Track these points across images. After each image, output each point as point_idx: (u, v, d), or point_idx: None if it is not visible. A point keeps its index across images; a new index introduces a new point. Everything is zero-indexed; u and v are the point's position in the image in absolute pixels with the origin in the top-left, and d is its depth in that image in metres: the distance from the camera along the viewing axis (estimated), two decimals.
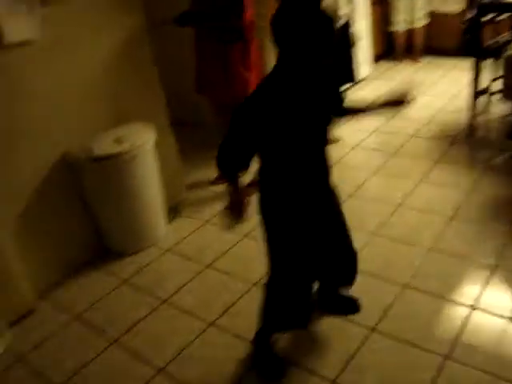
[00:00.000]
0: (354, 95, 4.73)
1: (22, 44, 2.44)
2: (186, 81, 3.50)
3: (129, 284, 2.75)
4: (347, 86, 4.28)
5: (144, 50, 3.04)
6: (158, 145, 3.00)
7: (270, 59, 3.64)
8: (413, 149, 3.72)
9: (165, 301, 2.57)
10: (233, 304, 2.47)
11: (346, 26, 3.58)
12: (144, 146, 2.79)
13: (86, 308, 2.62)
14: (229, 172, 1.80)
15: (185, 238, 3.08)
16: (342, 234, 2.07)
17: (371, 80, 5.11)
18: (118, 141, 2.73)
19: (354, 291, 2.32)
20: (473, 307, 2.23)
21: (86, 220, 2.92)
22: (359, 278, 2.24)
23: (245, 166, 1.77)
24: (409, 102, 1.86)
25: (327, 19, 1.59)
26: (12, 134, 2.53)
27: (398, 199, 3.09)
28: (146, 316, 2.49)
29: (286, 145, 1.72)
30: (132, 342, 2.35)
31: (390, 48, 5.54)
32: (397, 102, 1.87)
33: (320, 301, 2.30)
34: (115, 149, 2.68)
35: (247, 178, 1.98)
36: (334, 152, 3.72)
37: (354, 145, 3.90)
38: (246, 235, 2.95)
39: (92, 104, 2.83)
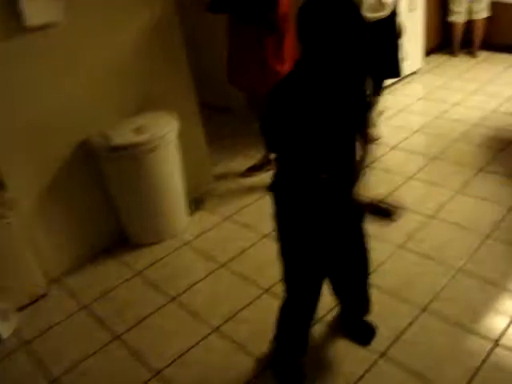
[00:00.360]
0: (399, 92, 4.49)
1: (44, 27, 2.38)
2: (218, 66, 3.38)
3: (141, 277, 2.70)
4: (392, 80, 4.04)
5: (174, 34, 2.93)
6: (185, 133, 2.91)
7: None
8: (456, 153, 3.45)
9: (173, 299, 2.51)
10: (241, 309, 2.37)
11: (393, 15, 3.32)
12: (165, 136, 2.70)
13: (95, 298, 2.60)
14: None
15: (204, 232, 2.99)
16: (358, 263, 1.95)
17: (422, 74, 4.80)
18: (139, 130, 2.66)
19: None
20: (496, 343, 2.03)
21: (106, 208, 2.89)
22: (375, 294, 2.11)
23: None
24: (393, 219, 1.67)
25: (357, 16, 1.43)
26: (33, 120, 2.50)
27: (431, 210, 2.88)
28: (152, 313, 2.44)
29: (305, 150, 1.57)
30: (134, 340, 2.30)
31: (445, 40, 5.18)
32: (384, 213, 1.68)
33: (341, 323, 2.20)
34: (133, 139, 2.61)
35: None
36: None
37: (393, 145, 3.67)
38: (265, 236, 2.83)
39: (117, 89, 2.76)
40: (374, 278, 2.19)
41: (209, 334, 2.27)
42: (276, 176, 1.71)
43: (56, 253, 2.76)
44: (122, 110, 2.81)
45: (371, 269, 2.03)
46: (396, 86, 4.54)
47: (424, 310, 2.22)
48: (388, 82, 4.21)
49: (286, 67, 2.96)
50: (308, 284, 1.81)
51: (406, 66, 4.48)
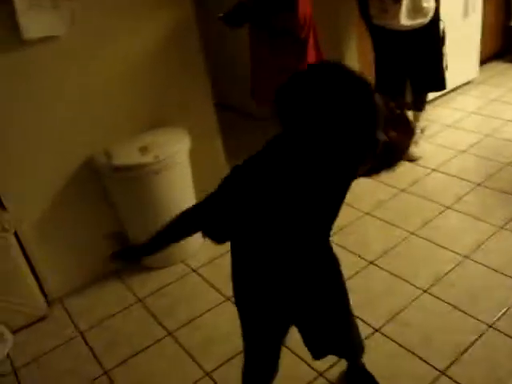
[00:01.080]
0: (448, 104, 4.09)
1: (44, 40, 2.26)
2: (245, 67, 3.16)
3: (142, 305, 2.55)
4: (435, 94, 3.67)
5: (191, 41, 2.74)
6: (201, 149, 2.76)
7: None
8: (506, 181, 3.05)
9: (170, 334, 2.33)
10: (230, 358, 2.15)
11: (436, 20, 2.98)
12: (173, 157, 2.52)
13: (92, 325, 2.47)
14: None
15: (215, 258, 2.79)
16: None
17: (476, 85, 4.36)
18: (145, 149, 2.49)
19: (380, 364, 1.93)
20: None
21: (113, 228, 2.75)
22: (390, 347, 1.90)
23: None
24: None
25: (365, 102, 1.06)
26: (35, 136, 2.39)
27: (466, 248, 2.54)
28: (145, 349, 2.27)
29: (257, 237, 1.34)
30: (120, 381, 2.15)
31: (505, 47, 4.69)
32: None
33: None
34: (137, 159, 2.45)
35: None
36: (408, 173, 3.32)
37: (434, 166, 3.32)
38: None
39: (127, 103, 2.61)
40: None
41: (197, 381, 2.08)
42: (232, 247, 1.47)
43: (60, 273, 2.66)
44: (132, 125, 2.66)
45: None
46: (445, 97, 4.14)
47: (442, 373, 1.92)
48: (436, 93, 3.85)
49: None
50: (267, 345, 1.61)
51: (459, 76, 4.10)
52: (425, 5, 2.84)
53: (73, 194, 2.56)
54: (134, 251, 1.52)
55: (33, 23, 2.18)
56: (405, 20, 2.83)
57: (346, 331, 1.70)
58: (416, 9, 2.84)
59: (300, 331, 1.63)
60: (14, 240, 2.44)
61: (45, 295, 2.63)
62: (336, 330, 1.66)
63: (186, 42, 2.72)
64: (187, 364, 2.16)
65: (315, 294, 1.52)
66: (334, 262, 1.57)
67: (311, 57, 2.68)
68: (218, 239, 1.36)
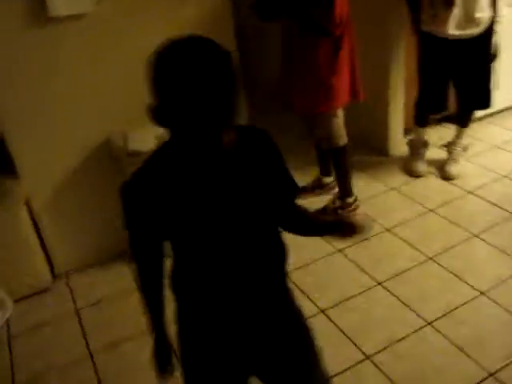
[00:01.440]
0: (499, 122, 3.82)
1: (71, 17, 2.25)
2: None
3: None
4: (481, 112, 3.42)
5: (226, 36, 2.66)
6: None
7: (369, 59, 3.01)
8: None
9: None
10: None
11: (488, 33, 2.75)
12: None
13: (88, 304, 2.50)
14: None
15: None
16: None
17: None
18: (161, 139, 2.45)
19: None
20: None
21: None
22: None
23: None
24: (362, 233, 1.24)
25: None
26: (57, 112, 2.41)
27: (486, 284, 2.35)
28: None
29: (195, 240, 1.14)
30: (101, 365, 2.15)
31: None
32: (348, 229, 1.25)
33: None
34: (151, 146, 2.40)
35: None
36: (440, 192, 3.12)
37: (470, 188, 3.11)
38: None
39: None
40: None
41: None
42: (172, 273, 1.24)
43: (67, 249, 2.69)
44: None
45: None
46: (497, 115, 3.86)
47: None
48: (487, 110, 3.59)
49: (339, 80, 2.55)
50: None
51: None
52: (478, 15, 2.62)
53: (88, 173, 2.58)
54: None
55: (59, 1, 2.17)
56: (453, 29, 2.64)
57: None
58: (468, 18, 2.63)
59: None
60: (25, 211, 2.49)
61: (52, 269, 2.67)
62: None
63: (219, 36, 2.64)
64: None
65: (271, 334, 1.27)
66: (291, 302, 1.32)
67: (343, 57, 2.53)
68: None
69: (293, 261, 1.28)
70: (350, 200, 2.92)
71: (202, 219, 1.09)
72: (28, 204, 2.51)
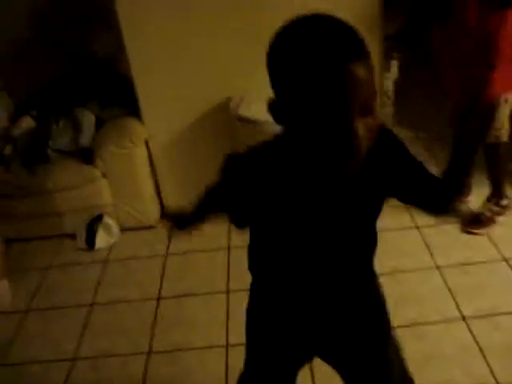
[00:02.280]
0: None
1: None
2: None
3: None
4: None
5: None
6: None
7: None
8: None
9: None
10: None
11: None
12: None
13: (178, 252, 2.63)
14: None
15: None
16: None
17: None
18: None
19: None
20: None
21: None
22: None
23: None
24: None
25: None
26: (185, 68, 2.51)
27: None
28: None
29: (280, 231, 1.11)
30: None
31: None
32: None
33: None
34: (259, 115, 2.37)
35: None
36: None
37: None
38: None
39: None
40: None
41: None
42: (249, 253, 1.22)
43: (177, 194, 2.83)
44: None
45: None
46: None
47: None
48: None
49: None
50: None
51: None
52: None
53: (203, 129, 2.65)
54: (184, 220, 1.36)
55: None
56: None
57: None
58: None
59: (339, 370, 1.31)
60: (144, 151, 2.69)
61: (162, 208, 2.86)
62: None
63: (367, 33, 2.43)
64: None
65: (345, 321, 1.23)
66: (376, 291, 1.26)
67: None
68: (237, 223, 1.20)
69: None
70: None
71: (299, 217, 1.04)
72: (147, 144, 2.70)
